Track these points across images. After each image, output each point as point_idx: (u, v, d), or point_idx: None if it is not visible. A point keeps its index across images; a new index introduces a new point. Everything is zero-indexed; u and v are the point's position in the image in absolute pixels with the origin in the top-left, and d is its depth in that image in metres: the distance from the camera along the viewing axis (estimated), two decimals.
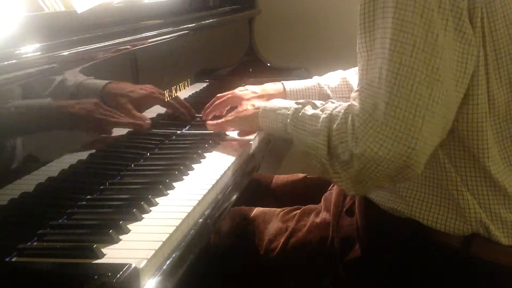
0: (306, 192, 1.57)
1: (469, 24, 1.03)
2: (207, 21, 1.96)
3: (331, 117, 1.09)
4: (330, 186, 1.47)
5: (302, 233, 1.33)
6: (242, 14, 2.34)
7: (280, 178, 1.65)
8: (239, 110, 1.46)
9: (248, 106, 1.44)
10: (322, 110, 1.14)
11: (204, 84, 1.97)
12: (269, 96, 1.57)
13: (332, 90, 1.59)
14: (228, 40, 2.24)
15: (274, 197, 1.59)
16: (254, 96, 1.59)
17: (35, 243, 0.97)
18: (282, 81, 1.62)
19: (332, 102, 1.17)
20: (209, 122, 1.51)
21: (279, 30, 2.69)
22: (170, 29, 1.65)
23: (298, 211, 1.39)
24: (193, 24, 1.83)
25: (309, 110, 1.17)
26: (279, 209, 1.42)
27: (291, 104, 1.24)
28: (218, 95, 1.62)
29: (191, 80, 1.86)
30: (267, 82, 2.14)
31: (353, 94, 1.08)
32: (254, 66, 2.40)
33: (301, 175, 1.64)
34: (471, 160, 1.11)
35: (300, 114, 1.18)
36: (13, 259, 0.92)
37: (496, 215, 1.13)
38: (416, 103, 0.98)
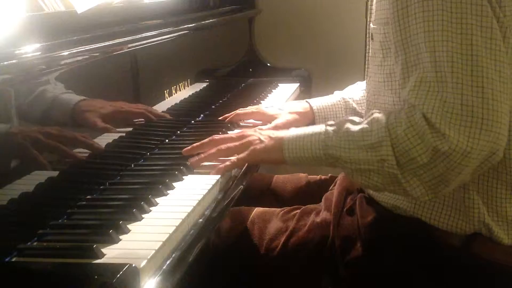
0: (306, 192, 1.57)
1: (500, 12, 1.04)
2: (207, 21, 1.96)
3: (388, 126, 1.06)
4: (331, 186, 1.47)
5: (302, 233, 1.33)
6: (242, 14, 2.34)
7: (280, 178, 1.65)
8: (252, 141, 1.25)
9: (261, 136, 1.25)
10: (369, 123, 1.10)
11: (204, 84, 1.97)
12: (298, 114, 1.55)
13: (357, 103, 1.57)
14: (228, 40, 2.24)
15: (274, 197, 1.59)
16: (281, 113, 1.55)
17: (35, 243, 0.97)
18: (307, 100, 1.59)
19: (379, 113, 1.12)
20: (218, 167, 1.24)
21: (279, 30, 2.69)
22: (170, 29, 1.65)
23: (298, 210, 1.39)
24: (193, 24, 1.83)
25: (352, 127, 1.12)
26: (279, 209, 1.42)
27: (321, 128, 1.17)
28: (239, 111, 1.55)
29: (191, 80, 1.86)
30: (267, 82, 2.15)
31: (406, 92, 1.06)
32: (254, 66, 2.40)
33: (301, 175, 1.64)
34: None
35: (342, 133, 1.12)
36: (13, 259, 0.92)
37: (501, 212, 1.13)
38: (491, 89, 1.00)
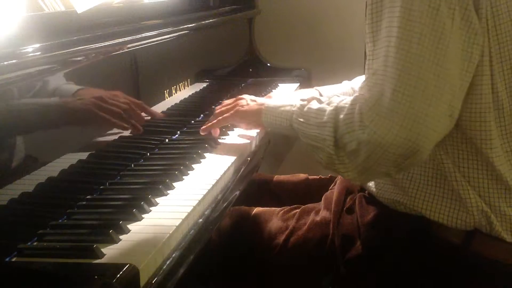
0: (306, 192, 1.57)
1: (475, 14, 1.05)
2: (207, 21, 1.96)
3: (337, 109, 1.11)
4: (331, 185, 1.47)
5: (302, 232, 1.33)
6: (242, 14, 2.34)
7: (280, 178, 1.65)
8: (241, 104, 1.44)
9: (249, 102, 1.43)
10: (328, 104, 1.15)
11: (204, 84, 1.97)
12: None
13: None
14: (228, 40, 2.24)
15: (274, 197, 1.59)
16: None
17: (35, 243, 0.97)
18: (316, 88, 1.61)
19: (338, 96, 1.19)
20: (203, 127, 1.48)
21: (279, 30, 2.69)
22: (170, 29, 1.65)
23: (298, 210, 1.39)
24: (193, 24, 1.83)
25: (314, 105, 1.19)
26: (278, 208, 1.42)
27: (295, 101, 1.26)
28: (222, 105, 1.55)
29: (191, 80, 1.86)
30: (267, 82, 2.15)
31: (361, 85, 1.11)
32: (254, 66, 2.40)
33: (302, 175, 1.64)
34: (473, 151, 1.12)
35: (305, 109, 1.20)
36: (13, 259, 0.92)
37: (496, 208, 1.13)
38: (423, 90, 1.01)
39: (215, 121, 1.45)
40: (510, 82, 1.10)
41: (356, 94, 1.11)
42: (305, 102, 1.22)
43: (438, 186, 1.16)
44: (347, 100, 1.11)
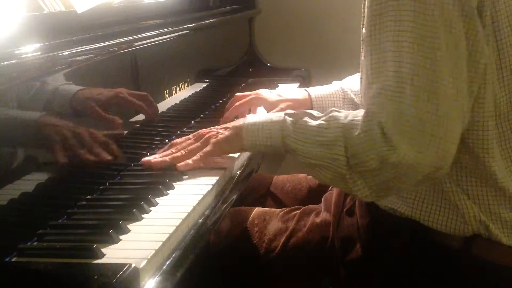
0: (306, 193, 1.57)
1: (480, 23, 1.05)
2: (207, 21, 1.96)
3: (345, 127, 1.07)
4: (331, 186, 1.47)
5: (302, 233, 1.33)
6: (242, 14, 2.34)
7: (280, 178, 1.65)
8: (212, 135, 1.26)
9: (219, 129, 1.27)
10: (327, 121, 1.11)
11: (204, 84, 1.97)
12: (296, 101, 1.56)
13: (355, 93, 1.57)
14: (228, 40, 2.24)
15: (274, 198, 1.59)
16: (280, 99, 1.56)
17: (35, 243, 0.97)
18: (305, 88, 1.61)
19: (338, 111, 1.13)
20: (179, 165, 1.23)
21: (279, 30, 2.69)
22: (170, 29, 1.65)
23: (298, 211, 1.39)
24: (193, 24, 1.83)
25: (310, 121, 1.13)
26: (279, 209, 1.42)
27: (279, 116, 1.18)
28: (238, 94, 1.57)
29: (191, 80, 1.86)
30: (267, 82, 2.15)
31: (368, 97, 1.06)
32: (254, 66, 2.40)
33: (301, 176, 1.64)
34: (472, 162, 1.12)
35: (299, 125, 1.14)
36: (13, 259, 0.92)
37: (496, 215, 1.13)
38: (446, 106, 1.01)
39: (197, 158, 1.24)
40: (510, 88, 1.10)
41: (363, 109, 1.07)
42: (294, 118, 1.16)
43: (435, 197, 1.16)
44: (354, 116, 1.08)
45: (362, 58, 1.25)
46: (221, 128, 1.26)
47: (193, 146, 1.26)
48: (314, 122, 1.13)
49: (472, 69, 1.05)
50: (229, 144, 1.24)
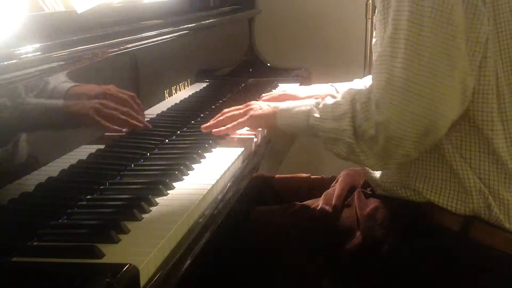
0: (308, 192, 1.57)
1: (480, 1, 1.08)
2: (207, 21, 1.96)
3: (353, 100, 1.14)
4: (333, 183, 1.48)
5: (302, 228, 1.33)
6: (242, 14, 2.34)
7: (281, 178, 1.65)
8: (254, 108, 1.44)
9: (262, 106, 1.43)
10: (343, 97, 1.19)
11: (204, 84, 1.97)
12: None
13: None
14: (228, 40, 2.24)
15: (275, 197, 1.59)
16: (310, 96, 1.57)
17: (35, 243, 0.97)
18: (331, 84, 1.63)
19: (353, 88, 1.23)
20: (214, 130, 1.45)
21: (279, 30, 2.69)
22: (170, 29, 1.65)
23: (297, 207, 1.40)
24: (193, 24, 1.83)
25: (329, 100, 1.22)
26: (278, 207, 1.43)
27: (311, 101, 1.29)
28: (226, 110, 1.54)
29: (191, 80, 1.86)
30: (267, 82, 2.15)
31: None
32: (254, 66, 2.40)
33: (303, 175, 1.64)
34: (475, 133, 1.14)
35: (321, 105, 1.23)
36: (13, 259, 0.92)
37: (495, 192, 1.15)
38: (435, 69, 1.05)
39: (230, 125, 1.44)
40: (508, 70, 1.12)
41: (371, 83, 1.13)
42: (320, 100, 1.25)
43: (438, 167, 1.18)
44: (363, 90, 1.14)
45: (373, 43, 1.29)
46: (265, 104, 1.44)
47: (235, 113, 1.45)
48: (331, 100, 1.22)
49: (473, 40, 1.08)
50: (264, 119, 1.41)
